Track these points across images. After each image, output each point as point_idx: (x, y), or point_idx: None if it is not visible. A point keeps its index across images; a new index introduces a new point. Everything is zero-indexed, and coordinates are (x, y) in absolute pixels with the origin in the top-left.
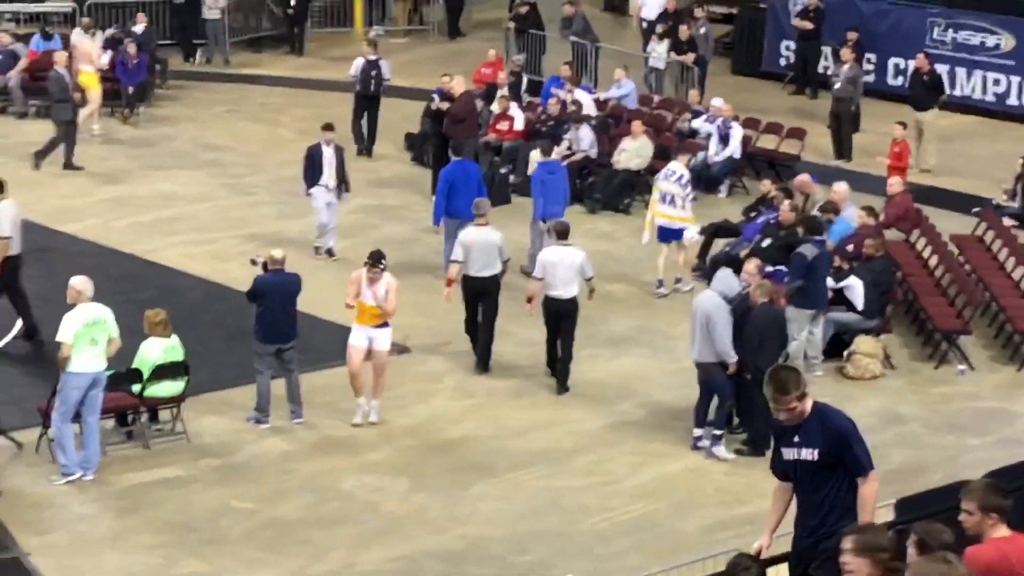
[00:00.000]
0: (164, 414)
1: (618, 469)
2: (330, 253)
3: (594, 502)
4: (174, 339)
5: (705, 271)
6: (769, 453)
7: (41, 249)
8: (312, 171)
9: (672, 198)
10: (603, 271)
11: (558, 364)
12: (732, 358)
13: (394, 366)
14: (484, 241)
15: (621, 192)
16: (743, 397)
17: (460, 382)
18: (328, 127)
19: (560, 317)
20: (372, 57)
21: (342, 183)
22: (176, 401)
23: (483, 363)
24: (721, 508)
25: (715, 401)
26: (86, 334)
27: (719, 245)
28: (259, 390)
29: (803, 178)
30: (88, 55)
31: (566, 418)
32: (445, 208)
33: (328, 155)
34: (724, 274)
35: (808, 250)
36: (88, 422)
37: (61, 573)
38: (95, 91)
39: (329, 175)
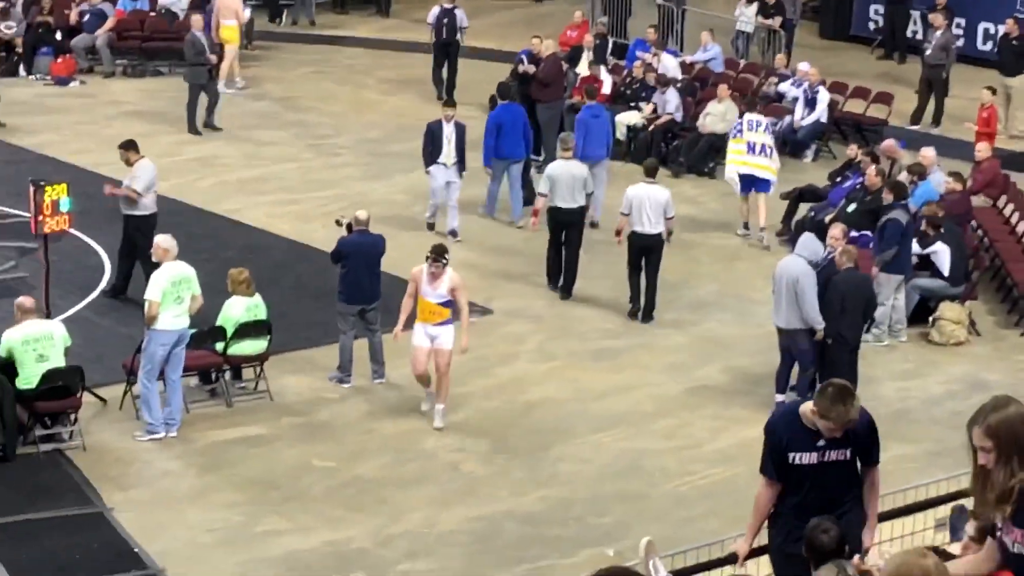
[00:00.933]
0: (247, 372)
1: (698, 433)
2: (453, 234)
3: (674, 466)
4: (257, 298)
5: (790, 236)
6: None
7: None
8: (432, 148)
9: (762, 147)
10: (687, 235)
11: (644, 297)
12: (820, 324)
13: (476, 328)
14: (570, 174)
15: (706, 156)
16: (825, 363)
17: (541, 344)
18: (449, 104)
19: (646, 252)
20: (447, 5)
21: (461, 161)
22: (259, 360)
23: (567, 290)
24: None
25: (796, 368)
26: (172, 292)
27: (804, 210)
28: (341, 350)
29: (889, 143)
30: (233, 9)
31: (647, 381)
32: (494, 150)
33: (448, 131)
34: (807, 239)
35: (901, 215)
36: (172, 379)
37: (144, 528)
38: (234, 44)
39: (448, 152)
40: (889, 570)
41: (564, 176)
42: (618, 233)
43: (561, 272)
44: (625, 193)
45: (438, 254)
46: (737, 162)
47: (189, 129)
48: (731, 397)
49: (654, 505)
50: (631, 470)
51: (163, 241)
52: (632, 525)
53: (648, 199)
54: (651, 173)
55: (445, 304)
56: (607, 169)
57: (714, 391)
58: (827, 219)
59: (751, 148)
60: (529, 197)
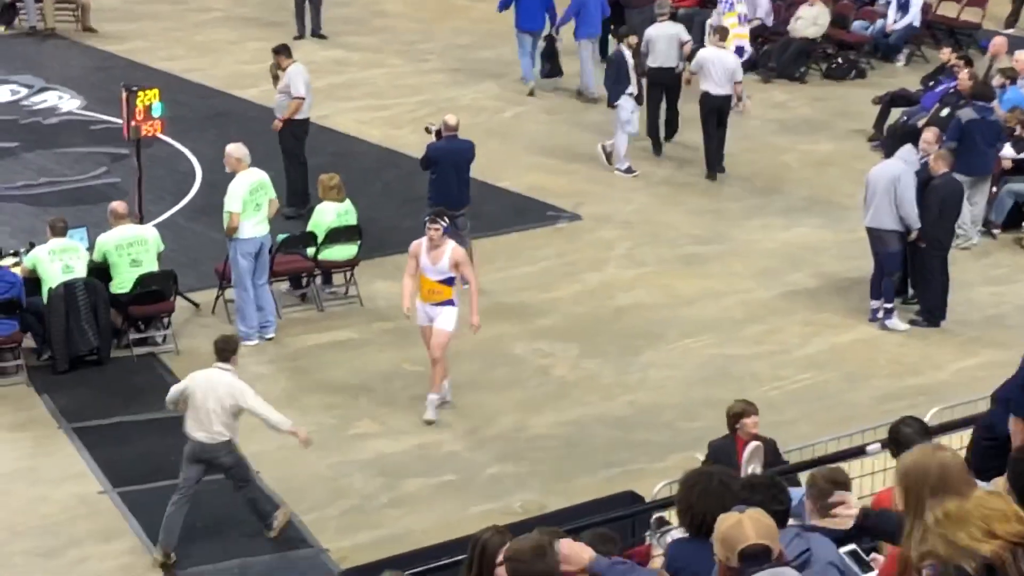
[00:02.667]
0: (338, 277)
1: (789, 339)
2: (630, 171)
3: (764, 371)
4: (348, 203)
5: (881, 141)
6: (945, 324)
7: (218, 114)
8: (618, 79)
9: (744, 16)
10: (776, 142)
11: (714, 152)
12: (917, 224)
13: (566, 232)
14: (667, 34)
15: (796, 60)
16: (918, 267)
17: (631, 250)
18: (631, 31)
19: (716, 112)
20: None
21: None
22: (350, 265)
23: (669, 139)
24: (893, 379)
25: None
26: (251, 200)
27: (896, 115)
28: None
29: (999, 40)
30: None
31: (737, 287)
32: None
33: (630, 60)
34: (908, 151)
35: (964, 113)
36: (259, 285)
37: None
38: None
39: (633, 82)
40: (905, 464)
41: (662, 36)
42: (688, 82)
43: (661, 131)
44: (696, 55)
45: (437, 216)
46: (736, 35)
47: (298, 33)
48: (821, 303)
49: None
50: (721, 376)
51: (235, 150)
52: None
53: (718, 61)
54: (723, 37)
55: (445, 281)
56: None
57: (804, 297)
58: (920, 124)
59: (741, 19)
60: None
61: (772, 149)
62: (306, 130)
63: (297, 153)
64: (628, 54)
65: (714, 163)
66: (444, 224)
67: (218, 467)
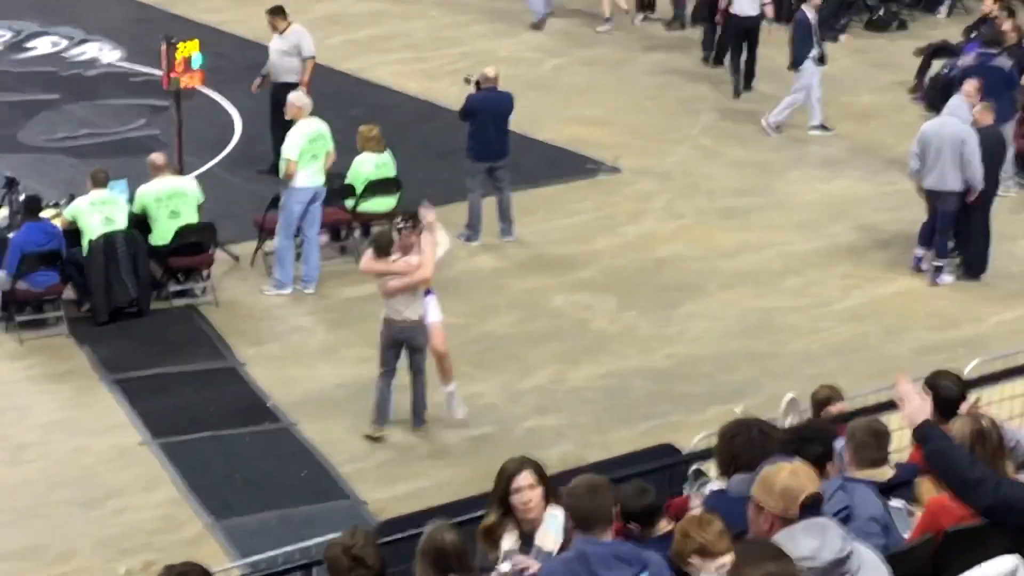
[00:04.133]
0: (376, 229)
1: (828, 291)
2: (824, 128)
3: (804, 323)
4: (387, 155)
5: (923, 92)
6: (985, 277)
7: (257, 66)
8: (803, 42)
9: None
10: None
11: (745, 70)
12: (981, 186)
13: (605, 185)
14: None
15: (836, 13)
16: (961, 221)
17: (670, 202)
18: None
19: (745, 33)
20: None
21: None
22: (388, 217)
23: (747, 87)
24: (933, 331)
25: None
26: (309, 150)
27: (937, 66)
28: (470, 207)
29: None
30: None
31: (776, 239)
32: None
33: (814, 21)
34: (958, 104)
35: (1002, 63)
36: (308, 236)
37: (275, 383)
38: None
39: (816, 43)
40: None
41: None
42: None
43: (742, 74)
44: None
45: (405, 219)
46: None
47: None
48: (861, 255)
49: (783, 363)
50: (760, 328)
51: (297, 99)
52: (761, 382)
53: None
54: None
55: None
56: None
57: (844, 249)
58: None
59: None
60: None
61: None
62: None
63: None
64: (813, 15)
65: (744, 82)
66: (411, 225)
67: (413, 348)
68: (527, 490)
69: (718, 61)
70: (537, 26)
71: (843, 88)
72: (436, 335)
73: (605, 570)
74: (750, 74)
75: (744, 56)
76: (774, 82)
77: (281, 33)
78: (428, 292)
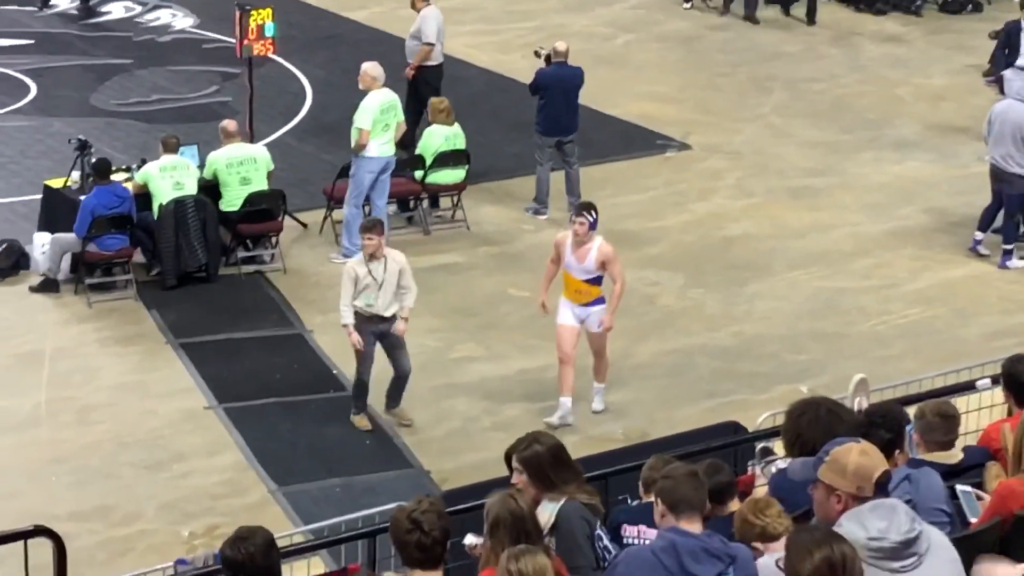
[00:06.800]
0: (445, 201)
1: (898, 273)
2: None
3: (872, 305)
4: (457, 127)
5: (996, 76)
6: None
7: (329, 36)
8: (1008, 50)
9: None
10: (890, 75)
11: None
12: None
13: (675, 162)
14: None
15: None
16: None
17: (740, 180)
18: None
19: None
20: None
21: None
22: (457, 189)
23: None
24: (1003, 315)
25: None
26: (381, 120)
27: None
28: (538, 181)
29: None
30: None
31: (846, 220)
32: None
33: None
34: (1020, 84)
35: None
36: (377, 206)
37: (340, 351)
38: None
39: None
40: None
41: None
42: None
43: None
44: None
45: (580, 210)
46: None
47: None
48: (931, 237)
49: (850, 344)
50: (828, 308)
51: (371, 68)
52: (827, 363)
53: None
54: None
55: (593, 281)
56: None
57: (914, 231)
58: None
59: None
60: None
61: (886, 82)
62: (440, 76)
63: (427, 99)
64: None
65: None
66: (590, 219)
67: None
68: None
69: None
70: None
71: (917, 70)
72: (596, 341)
73: (694, 563)
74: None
75: None
76: None
77: (418, 12)
78: (601, 300)
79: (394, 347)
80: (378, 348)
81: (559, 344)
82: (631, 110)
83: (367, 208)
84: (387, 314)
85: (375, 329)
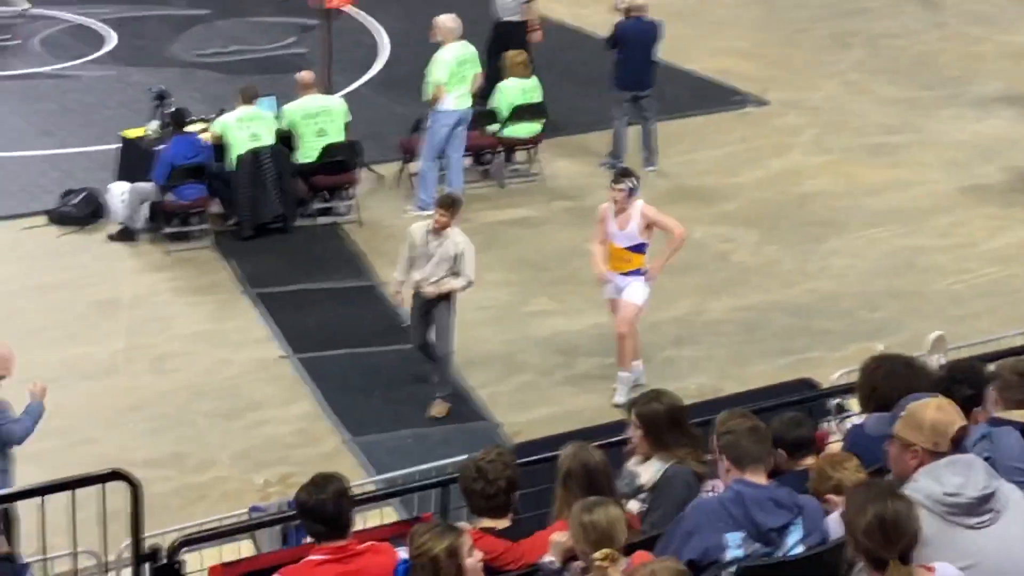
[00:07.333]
0: (520, 155)
1: (976, 232)
2: None
3: (949, 263)
4: (533, 80)
5: None
6: None
7: None
8: None
9: None
10: (972, 31)
11: None
12: None
13: (752, 117)
14: None
15: None
16: None
17: (817, 137)
18: None
19: None
20: None
21: None
22: (532, 142)
23: None
24: None
25: None
26: (457, 72)
27: None
28: (614, 136)
29: None
30: None
31: (925, 178)
32: None
33: None
34: None
35: None
36: (452, 159)
37: None
38: None
39: None
40: None
41: None
42: None
43: None
44: None
45: (619, 176)
46: None
47: None
48: (1011, 197)
49: (927, 302)
50: (904, 266)
51: (448, 20)
52: (903, 321)
53: None
54: None
55: (635, 248)
56: None
57: (993, 190)
58: None
59: None
60: None
61: (967, 39)
62: (524, 29)
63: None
64: None
65: None
66: (629, 185)
67: None
68: None
69: None
70: None
71: (999, 26)
72: (625, 311)
73: (761, 513)
74: None
75: None
76: None
77: None
78: (637, 272)
79: (433, 325)
80: None
81: (616, 321)
82: (708, 65)
83: (442, 161)
84: (431, 289)
85: (420, 301)
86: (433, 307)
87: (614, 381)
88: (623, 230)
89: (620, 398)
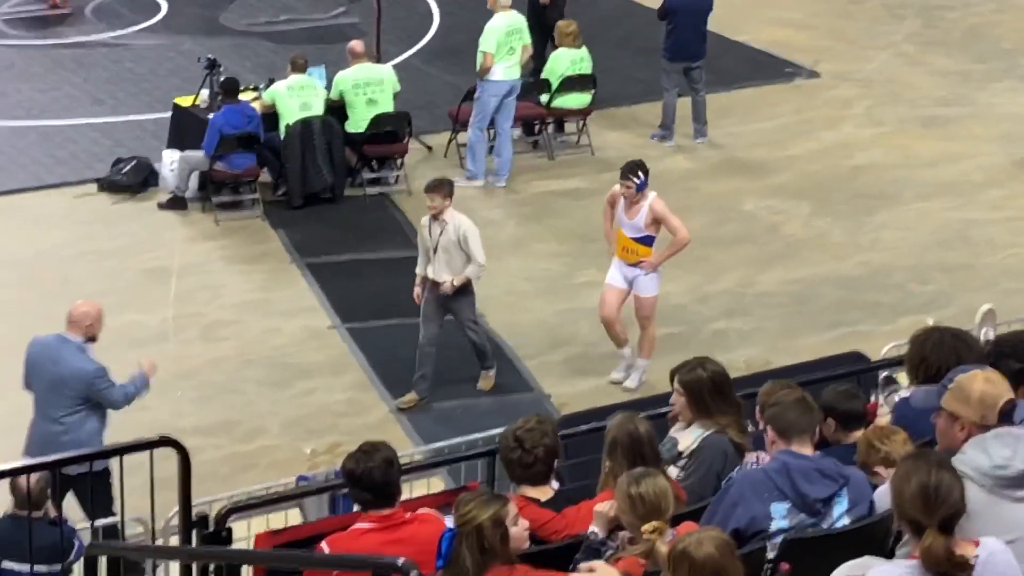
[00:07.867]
0: (570, 126)
1: None
2: None
3: (1002, 237)
4: (584, 51)
5: None
6: None
7: None
8: None
9: None
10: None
11: None
12: None
13: (804, 89)
14: None
15: None
16: None
17: (870, 109)
18: None
19: None
20: None
21: None
22: (582, 113)
23: None
24: None
25: None
26: (506, 43)
27: None
28: (665, 107)
29: None
30: None
31: (978, 151)
32: None
33: None
34: None
35: None
36: (503, 129)
37: None
38: None
39: None
40: None
41: None
42: None
43: None
44: None
45: (627, 172)
46: None
47: None
48: None
49: (978, 275)
50: (956, 239)
51: None
52: (955, 295)
53: None
54: None
55: (642, 240)
56: None
57: None
58: None
59: None
60: None
61: (1021, 11)
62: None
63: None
64: None
65: None
66: (638, 181)
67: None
68: None
69: None
70: None
71: None
72: (643, 307)
73: (806, 483)
74: None
75: None
76: None
77: None
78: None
79: (455, 316)
80: None
81: (600, 305)
82: (760, 37)
83: (491, 131)
84: (440, 280)
85: (432, 294)
86: (452, 302)
87: (665, 352)
88: (631, 220)
89: (632, 382)
